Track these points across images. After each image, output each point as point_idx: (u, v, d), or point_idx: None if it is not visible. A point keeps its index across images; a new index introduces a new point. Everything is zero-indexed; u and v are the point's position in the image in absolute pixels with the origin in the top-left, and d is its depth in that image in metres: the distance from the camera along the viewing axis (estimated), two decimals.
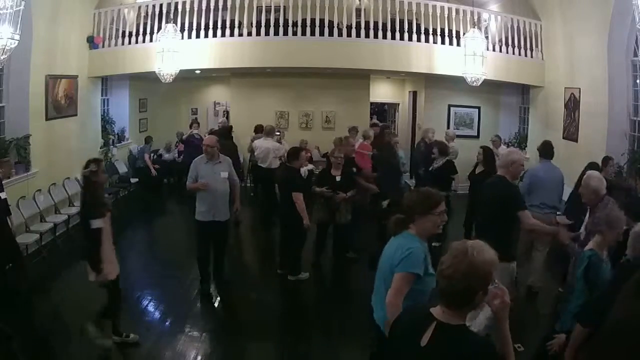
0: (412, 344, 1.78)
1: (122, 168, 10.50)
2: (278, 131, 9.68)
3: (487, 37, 9.15)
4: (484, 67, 8.36)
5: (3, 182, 5.88)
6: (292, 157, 6.04)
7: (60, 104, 8.08)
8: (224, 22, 8.98)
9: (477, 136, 10.81)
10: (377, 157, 7.41)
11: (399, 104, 14.14)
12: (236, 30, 8.95)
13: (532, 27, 9.31)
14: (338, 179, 6.33)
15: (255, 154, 8.66)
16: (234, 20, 9.04)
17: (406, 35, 8.94)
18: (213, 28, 8.88)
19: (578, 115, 8.18)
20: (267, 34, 8.96)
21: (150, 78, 9.67)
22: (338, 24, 9.26)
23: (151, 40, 8.79)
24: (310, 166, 9.35)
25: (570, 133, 8.41)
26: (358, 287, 6.45)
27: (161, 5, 8.93)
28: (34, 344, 4.60)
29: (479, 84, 8.52)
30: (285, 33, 8.83)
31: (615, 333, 2.35)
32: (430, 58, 9.15)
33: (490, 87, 10.25)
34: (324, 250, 6.65)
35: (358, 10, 9.56)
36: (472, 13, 8.99)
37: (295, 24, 8.81)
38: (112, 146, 10.27)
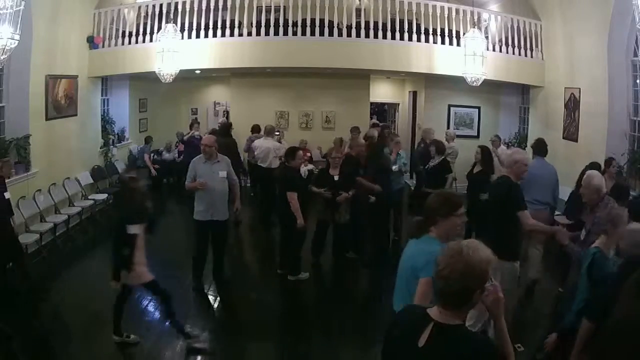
0: (410, 345, 1.77)
1: (122, 168, 10.49)
2: (277, 131, 9.68)
3: (487, 37, 9.15)
4: (484, 67, 8.36)
5: None
6: (289, 156, 6.07)
7: (60, 104, 8.08)
8: (224, 22, 8.97)
9: (477, 136, 10.80)
10: (367, 156, 7.38)
11: (399, 104, 14.15)
12: (236, 30, 8.95)
13: (532, 27, 9.30)
14: (336, 178, 6.35)
15: (256, 153, 8.66)
16: (234, 20, 9.04)
17: (406, 35, 8.94)
18: (213, 28, 8.88)
19: (578, 115, 8.18)
20: (267, 34, 8.96)
21: (150, 78, 9.67)
22: (338, 24, 9.26)
23: (151, 40, 8.79)
24: (311, 166, 9.36)
25: (570, 133, 8.41)
26: (358, 287, 6.48)
27: (161, 5, 8.92)
28: (34, 344, 4.60)
29: (479, 84, 8.52)
30: (285, 33, 8.83)
31: (617, 333, 2.35)
32: (430, 58, 9.15)
33: (490, 87, 10.25)
34: (324, 250, 6.65)
35: (358, 10, 9.56)
36: (472, 13, 8.99)
37: (295, 24, 8.80)
38: (112, 146, 10.27)
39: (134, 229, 4.25)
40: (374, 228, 7.02)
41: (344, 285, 6.31)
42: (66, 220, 7.52)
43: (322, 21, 8.96)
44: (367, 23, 9.00)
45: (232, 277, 6.14)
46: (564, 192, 7.54)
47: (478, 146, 7.15)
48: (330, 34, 9.02)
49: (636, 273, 2.41)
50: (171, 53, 8.15)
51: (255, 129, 9.35)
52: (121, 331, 4.49)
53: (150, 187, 10.53)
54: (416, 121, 12.10)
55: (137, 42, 9.05)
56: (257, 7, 9.23)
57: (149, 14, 9.01)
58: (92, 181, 9.08)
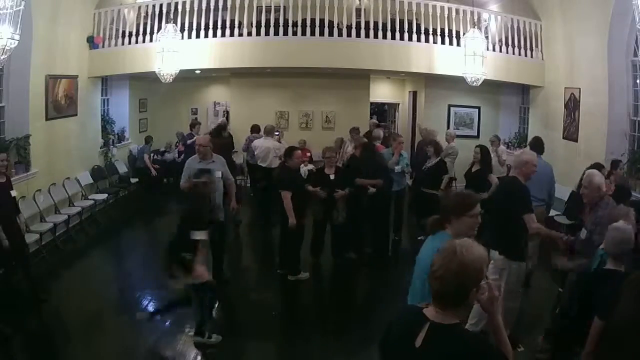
0: (407, 345, 1.77)
1: (122, 168, 10.49)
2: (277, 131, 9.68)
3: (487, 37, 9.15)
4: (484, 67, 8.36)
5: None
6: (287, 156, 6.12)
7: (60, 104, 8.08)
8: (224, 22, 8.97)
9: (477, 136, 10.79)
10: (360, 157, 7.38)
11: (399, 104, 14.14)
12: (236, 30, 8.95)
13: (532, 27, 9.30)
14: (332, 177, 6.39)
15: (256, 153, 8.66)
16: (234, 20, 9.04)
17: (406, 35, 8.93)
18: (213, 28, 8.87)
19: (578, 115, 8.18)
20: (267, 34, 8.95)
21: (150, 78, 9.67)
22: (338, 24, 9.26)
23: (151, 40, 8.79)
24: (311, 166, 9.35)
25: (570, 133, 8.41)
26: (358, 287, 6.48)
27: (161, 5, 8.92)
28: (34, 344, 4.60)
29: (479, 84, 8.52)
30: (285, 33, 8.83)
31: (620, 335, 2.35)
32: (430, 58, 9.15)
33: (490, 87, 10.25)
34: (323, 250, 6.65)
35: (358, 10, 9.56)
36: (472, 13, 8.99)
37: (295, 24, 8.80)
38: (112, 146, 10.26)
39: (200, 235, 4.29)
40: (373, 228, 7.02)
41: (344, 286, 6.32)
42: (66, 220, 7.51)
43: (322, 21, 8.95)
44: (367, 23, 8.99)
45: (232, 277, 6.14)
46: (564, 192, 7.55)
47: (477, 146, 7.16)
48: (330, 34, 9.02)
49: (632, 275, 2.41)
50: (171, 53, 8.14)
51: (255, 129, 9.36)
52: (204, 332, 4.51)
53: (151, 188, 10.56)
54: (416, 121, 12.10)
55: (137, 42, 9.04)
56: (257, 7, 9.23)
57: (149, 14, 9.00)
58: (92, 181, 9.08)
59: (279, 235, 6.57)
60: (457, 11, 9.10)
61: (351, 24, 9.24)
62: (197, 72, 10.12)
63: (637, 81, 7.21)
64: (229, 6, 9.03)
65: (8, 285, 5.40)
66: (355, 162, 6.99)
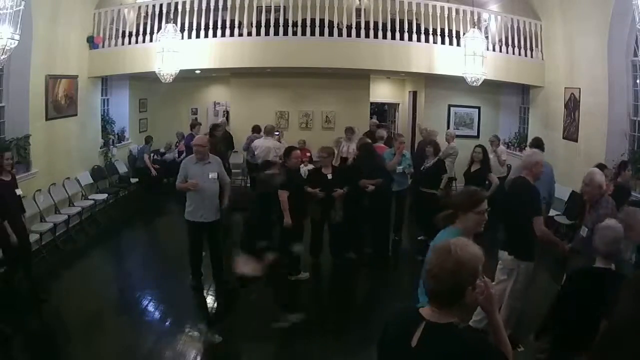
0: (403, 345, 1.77)
1: (122, 168, 10.49)
2: (277, 131, 9.68)
3: (487, 37, 9.16)
4: (484, 67, 8.36)
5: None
6: (286, 156, 6.14)
7: (60, 104, 8.08)
8: (224, 22, 8.98)
9: (477, 136, 10.80)
10: (358, 157, 7.38)
11: (399, 104, 14.15)
12: (236, 30, 8.95)
13: (532, 27, 9.30)
14: (329, 177, 6.39)
15: (256, 153, 8.66)
16: (234, 20, 9.04)
17: (406, 35, 8.94)
18: (213, 28, 8.88)
19: (578, 115, 8.18)
20: (267, 34, 8.96)
21: (150, 78, 9.68)
22: (338, 24, 9.27)
23: (151, 40, 8.79)
24: (311, 166, 9.34)
25: (570, 133, 8.40)
26: (358, 287, 6.48)
27: (161, 5, 8.92)
28: (34, 344, 4.60)
29: (479, 84, 8.52)
30: (285, 33, 8.83)
31: (619, 335, 2.35)
32: (430, 58, 9.15)
33: (490, 87, 10.25)
34: (322, 250, 6.65)
35: (358, 10, 9.56)
36: (472, 13, 8.99)
37: (295, 24, 8.81)
38: (112, 146, 10.26)
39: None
40: (373, 228, 7.02)
41: (344, 285, 6.31)
42: (66, 220, 7.51)
43: (322, 21, 8.96)
44: (367, 23, 9.00)
45: (231, 277, 6.13)
46: (564, 192, 7.56)
47: (477, 146, 7.17)
48: (330, 34, 9.02)
49: (634, 274, 2.41)
50: (171, 53, 8.15)
51: (256, 129, 9.34)
52: (215, 328, 4.63)
53: (150, 188, 10.55)
54: (416, 121, 12.10)
55: (137, 42, 9.05)
56: (257, 7, 9.23)
57: (149, 14, 9.01)
58: (92, 181, 9.08)
59: (278, 235, 6.56)
60: (457, 11, 9.11)
61: (351, 24, 9.24)
62: (197, 72, 10.13)
63: (637, 81, 7.21)
64: (229, 6, 9.04)
65: (8, 285, 5.39)
66: (356, 161, 6.99)
